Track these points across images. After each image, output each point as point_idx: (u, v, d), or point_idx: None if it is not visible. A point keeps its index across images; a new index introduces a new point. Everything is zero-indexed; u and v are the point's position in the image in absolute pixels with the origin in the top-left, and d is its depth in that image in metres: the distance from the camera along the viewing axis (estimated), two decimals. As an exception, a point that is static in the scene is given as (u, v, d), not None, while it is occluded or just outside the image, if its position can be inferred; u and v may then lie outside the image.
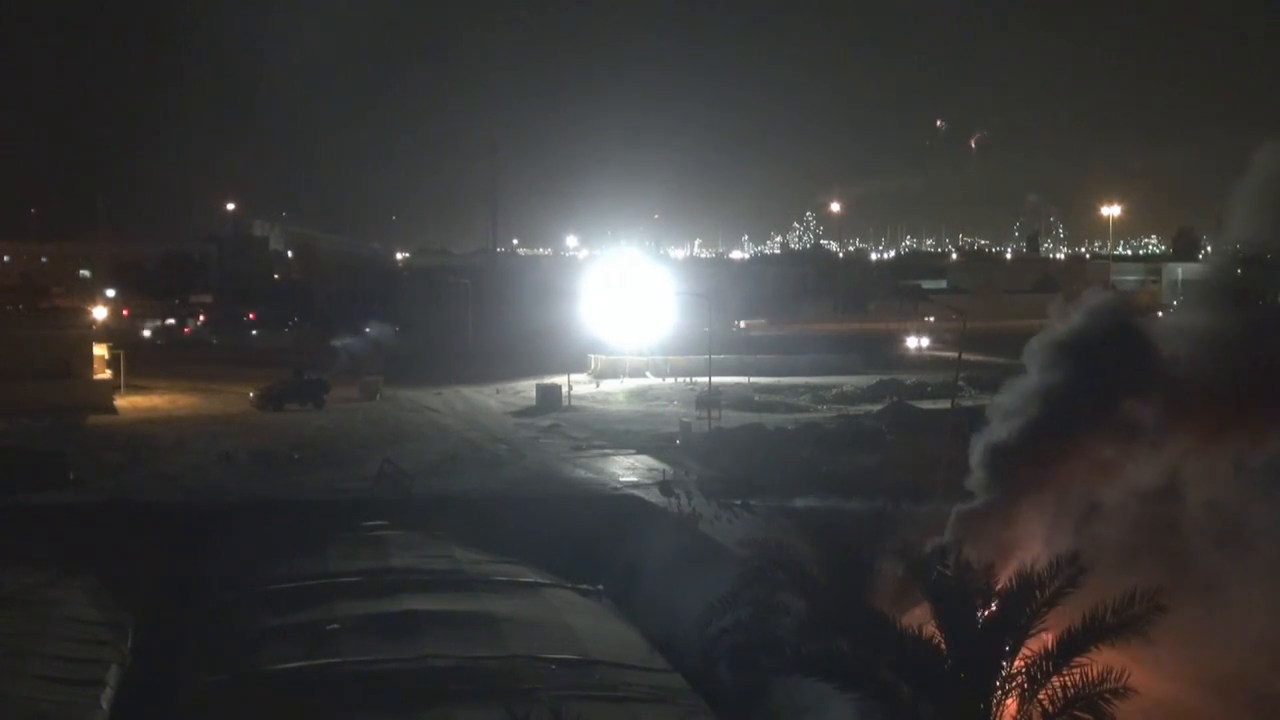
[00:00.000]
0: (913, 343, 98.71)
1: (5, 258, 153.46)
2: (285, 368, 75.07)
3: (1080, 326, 30.39)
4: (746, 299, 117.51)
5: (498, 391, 78.07)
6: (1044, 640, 18.29)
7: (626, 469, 50.40)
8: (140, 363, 79.12)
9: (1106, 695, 17.29)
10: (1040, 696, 17.75)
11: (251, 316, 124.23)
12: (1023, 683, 17.99)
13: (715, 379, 68.14)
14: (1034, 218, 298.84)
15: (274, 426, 61.16)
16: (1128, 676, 17.45)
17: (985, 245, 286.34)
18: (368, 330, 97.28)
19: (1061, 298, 35.45)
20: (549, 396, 70.74)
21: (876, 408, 66.66)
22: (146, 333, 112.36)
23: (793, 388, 77.88)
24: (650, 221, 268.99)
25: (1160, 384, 28.82)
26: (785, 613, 19.70)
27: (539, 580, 34.75)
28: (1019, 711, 17.94)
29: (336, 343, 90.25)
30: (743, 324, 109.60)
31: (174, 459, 51.63)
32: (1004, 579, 19.29)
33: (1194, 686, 24.73)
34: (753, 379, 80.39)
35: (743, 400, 71.02)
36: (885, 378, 78.95)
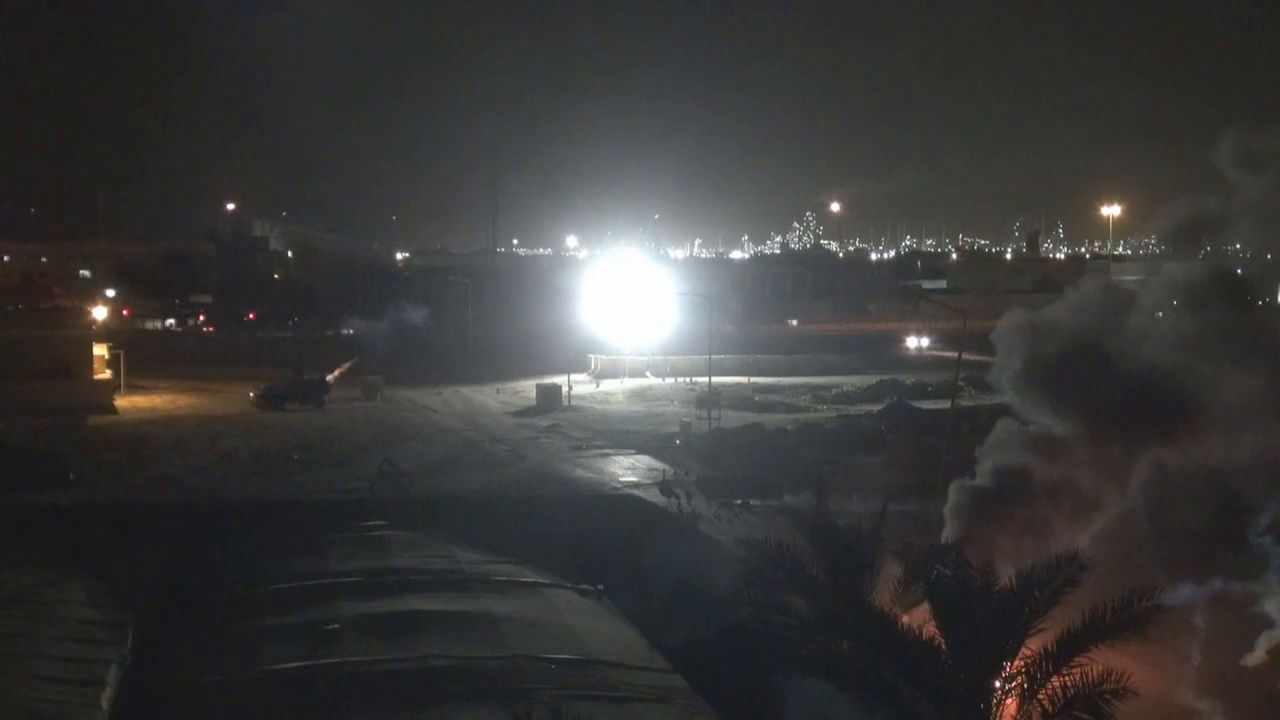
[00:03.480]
0: (913, 343, 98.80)
1: (5, 258, 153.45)
2: (286, 367, 75.12)
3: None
4: (746, 299, 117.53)
5: (498, 391, 78.10)
6: (1044, 640, 18.31)
7: (626, 469, 50.39)
8: (140, 362, 79.12)
9: (1106, 695, 17.30)
10: (1040, 696, 17.76)
11: (251, 317, 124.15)
12: (1023, 683, 17.99)
13: (715, 379, 68.14)
14: None
15: (274, 426, 61.17)
16: (1128, 677, 17.46)
17: (985, 245, 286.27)
18: (399, 319, 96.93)
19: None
20: (549, 396, 70.75)
21: (876, 408, 66.65)
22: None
23: (793, 388, 77.92)
24: (650, 221, 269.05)
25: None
26: (785, 613, 19.70)
27: (539, 580, 34.75)
28: (1019, 711, 17.95)
29: (348, 331, 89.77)
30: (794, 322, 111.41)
31: (174, 459, 51.61)
32: (1004, 579, 19.31)
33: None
34: (753, 379, 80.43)
35: (743, 400, 71.03)
36: (885, 378, 78.96)
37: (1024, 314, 34.92)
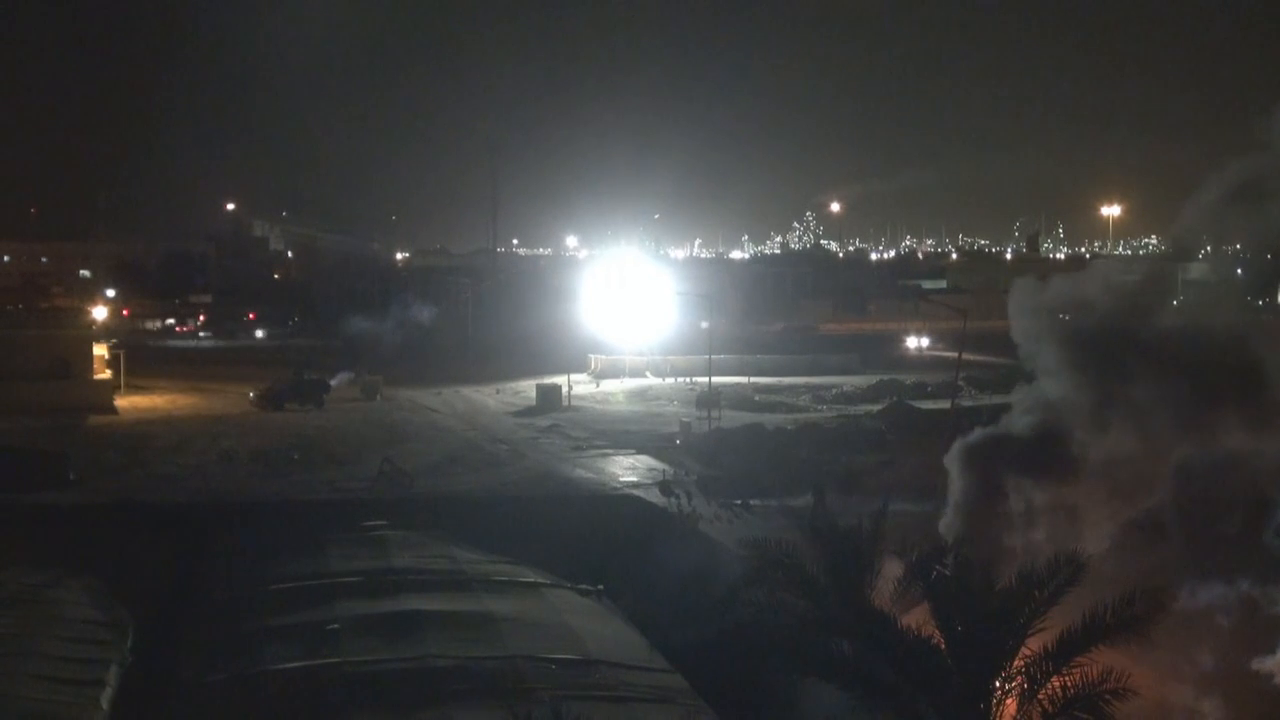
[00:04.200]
0: (913, 343, 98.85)
1: (5, 258, 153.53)
2: (287, 367, 75.14)
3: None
4: (747, 299, 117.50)
5: (498, 391, 78.06)
6: (1044, 640, 18.30)
7: (626, 469, 50.40)
8: (140, 363, 79.11)
9: (1106, 695, 17.29)
10: (1040, 696, 17.76)
11: (251, 316, 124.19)
12: (1023, 683, 17.99)
13: (715, 379, 68.14)
14: None
15: (274, 426, 61.14)
16: (1128, 677, 17.45)
17: (985, 245, 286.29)
18: (404, 318, 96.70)
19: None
20: (549, 396, 70.72)
21: (876, 408, 66.67)
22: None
23: (793, 388, 77.92)
24: (650, 221, 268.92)
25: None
26: (785, 613, 19.70)
27: (539, 580, 34.74)
28: (1019, 711, 17.94)
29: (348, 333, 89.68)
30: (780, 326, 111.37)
31: (174, 459, 51.62)
32: (1004, 578, 19.31)
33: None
34: (753, 379, 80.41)
35: (743, 400, 71.02)
36: (885, 378, 78.98)
37: (1047, 288, 34.28)
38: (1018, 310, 33.13)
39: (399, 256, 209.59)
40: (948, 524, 30.49)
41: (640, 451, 54.16)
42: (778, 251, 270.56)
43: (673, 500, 43.34)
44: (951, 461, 31.91)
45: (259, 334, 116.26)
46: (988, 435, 32.05)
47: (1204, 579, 28.19)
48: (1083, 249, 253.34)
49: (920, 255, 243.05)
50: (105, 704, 26.52)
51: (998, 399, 51.14)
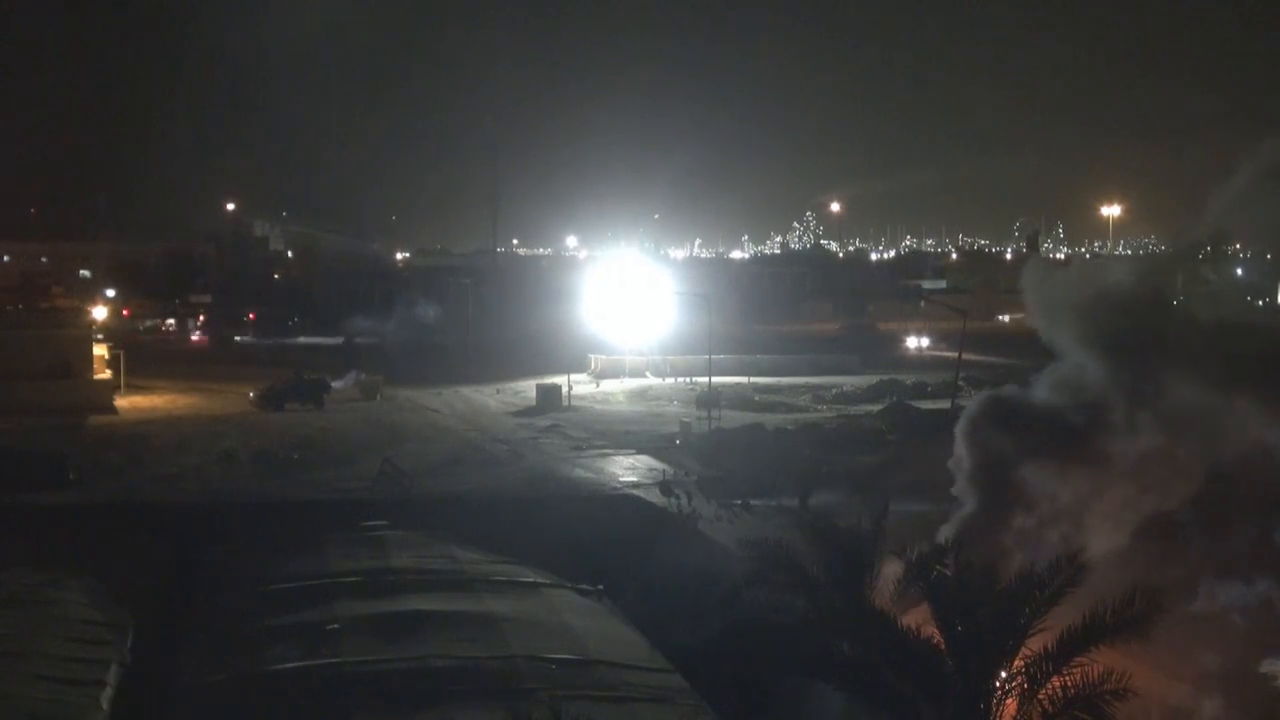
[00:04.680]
0: (913, 343, 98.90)
1: (5, 258, 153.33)
2: (286, 368, 75.14)
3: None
4: (746, 299, 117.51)
5: (498, 391, 78.00)
6: (1045, 640, 18.30)
7: (626, 469, 50.36)
8: (140, 363, 79.09)
9: (1106, 695, 17.29)
10: (1040, 696, 17.75)
11: (251, 317, 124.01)
12: (1023, 683, 17.99)
13: (715, 379, 68.11)
14: None
15: (274, 426, 61.11)
16: (1128, 677, 17.44)
17: (985, 245, 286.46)
18: (408, 318, 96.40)
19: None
20: (549, 396, 70.68)
21: (877, 408, 66.64)
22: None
23: (793, 388, 77.88)
24: (650, 221, 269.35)
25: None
26: (785, 613, 19.72)
27: (539, 580, 34.71)
28: (1019, 711, 17.95)
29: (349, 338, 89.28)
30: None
31: (174, 459, 51.57)
32: (1004, 579, 19.32)
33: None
34: (753, 379, 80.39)
35: (743, 400, 70.98)
36: (885, 378, 78.96)
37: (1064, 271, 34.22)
38: (1033, 293, 33.12)
39: (399, 256, 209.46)
40: (958, 494, 30.50)
41: (640, 451, 54.11)
42: (778, 251, 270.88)
43: (673, 500, 43.31)
44: (959, 430, 31.90)
45: (195, 336, 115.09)
46: (991, 397, 32.11)
47: (1221, 578, 28.05)
48: (1083, 249, 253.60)
49: (920, 253, 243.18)
50: (105, 704, 26.48)
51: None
